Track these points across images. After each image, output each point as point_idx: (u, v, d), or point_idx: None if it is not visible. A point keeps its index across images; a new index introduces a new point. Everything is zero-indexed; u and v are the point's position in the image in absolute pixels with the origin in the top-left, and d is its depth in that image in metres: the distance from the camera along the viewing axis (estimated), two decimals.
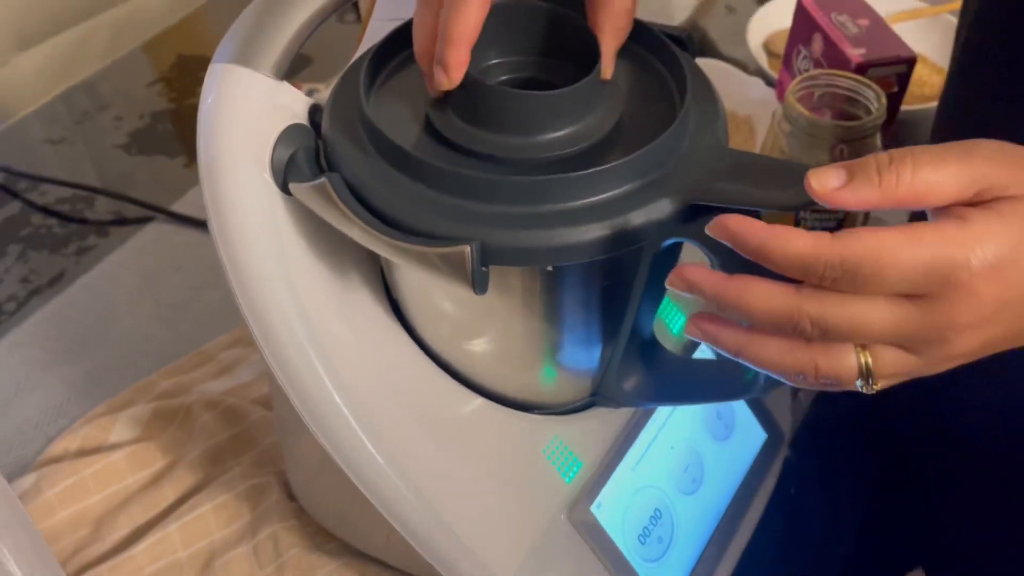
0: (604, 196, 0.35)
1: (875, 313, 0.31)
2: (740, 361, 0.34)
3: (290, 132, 0.39)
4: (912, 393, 0.37)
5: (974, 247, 0.30)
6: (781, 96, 0.82)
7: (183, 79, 0.99)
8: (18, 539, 0.37)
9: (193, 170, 0.74)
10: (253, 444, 0.62)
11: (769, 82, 0.85)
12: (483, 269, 0.35)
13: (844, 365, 0.33)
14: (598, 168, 0.35)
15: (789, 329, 0.32)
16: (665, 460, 0.51)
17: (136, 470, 0.60)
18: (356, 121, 0.39)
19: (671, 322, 0.54)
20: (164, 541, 0.57)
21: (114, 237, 0.80)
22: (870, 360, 0.32)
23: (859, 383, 0.33)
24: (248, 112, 0.39)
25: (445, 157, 0.38)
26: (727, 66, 0.87)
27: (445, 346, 0.45)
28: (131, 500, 0.59)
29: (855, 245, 0.30)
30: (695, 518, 0.52)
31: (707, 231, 0.33)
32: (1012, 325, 0.32)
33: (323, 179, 0.36)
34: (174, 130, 0.92)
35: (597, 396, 0.48)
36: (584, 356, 0.45)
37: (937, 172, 0.30)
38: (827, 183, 0.31)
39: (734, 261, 0.34)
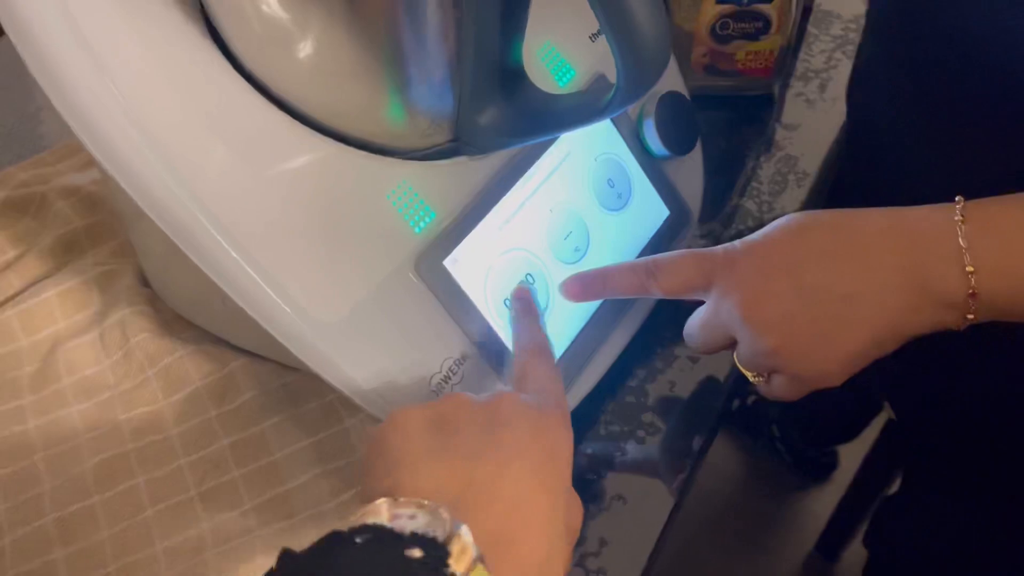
0: None
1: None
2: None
3: None
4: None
5: None
6: None
7: None
8: None
9: None
10: (112, 234, 0.57)
11: None
12: None
13: None
14: None
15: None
16: (541, 224, 0.45)
17: None
18: None
19: (559, 76, 0.47)
20: (2, 327, 0.51)
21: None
22: None
23: None
24: None
25: None
26: None
27: (266, 64, 0.38)
28: None
29: None
30: None
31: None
32: None
33: None
34: None
35: (455, 141, 0.42)
36: (427, 71, 0.38)
37: None
38: None
39: None
